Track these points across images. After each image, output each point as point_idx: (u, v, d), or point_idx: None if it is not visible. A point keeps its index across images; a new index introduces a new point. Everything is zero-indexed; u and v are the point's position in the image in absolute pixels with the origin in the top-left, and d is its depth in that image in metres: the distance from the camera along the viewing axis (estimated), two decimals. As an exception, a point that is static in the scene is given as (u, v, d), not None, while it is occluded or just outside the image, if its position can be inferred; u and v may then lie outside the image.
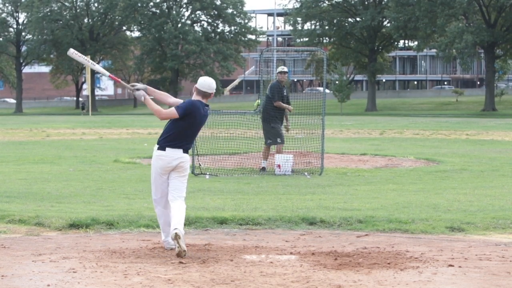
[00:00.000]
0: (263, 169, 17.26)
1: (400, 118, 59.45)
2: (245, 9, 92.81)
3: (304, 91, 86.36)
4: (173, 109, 8.35)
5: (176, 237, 8.00)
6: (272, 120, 17.11)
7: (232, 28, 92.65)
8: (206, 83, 8.49)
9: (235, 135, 21.40)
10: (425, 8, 72.77)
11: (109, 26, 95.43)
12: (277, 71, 17.43)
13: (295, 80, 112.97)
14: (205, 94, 8.48)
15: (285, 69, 17.51)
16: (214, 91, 8.55)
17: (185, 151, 8.46)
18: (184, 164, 8.45)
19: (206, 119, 8.61)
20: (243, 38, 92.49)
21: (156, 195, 8.56)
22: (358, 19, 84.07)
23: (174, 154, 8.38)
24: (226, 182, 15.26)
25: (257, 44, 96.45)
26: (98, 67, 9.07)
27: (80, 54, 8.90)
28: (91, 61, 9.14)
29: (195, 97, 8.50)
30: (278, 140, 17.11)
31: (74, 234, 9.62)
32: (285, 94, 17.30)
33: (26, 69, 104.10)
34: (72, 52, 8.84)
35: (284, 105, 17.20)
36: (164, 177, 8.45)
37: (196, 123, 8.43)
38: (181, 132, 8.40)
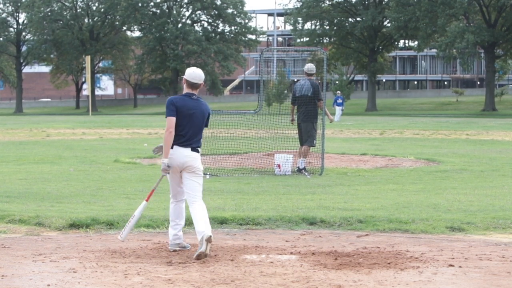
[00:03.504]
0: (304, 169, 16.97)
1: (400, 118, 59.42)
2: (245, 9, 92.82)
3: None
4: (166, 121, 8.21)
5: (210, 239, 7.93)
6: (315, 121, 17.04)
7: (233, 28, 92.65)
8: (196, 74, 8.32)
9: (235, 135, 21.41)
10: (425, 8, 72.73)
11: (109, 26, 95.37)
12: (307, 72, 17.18)
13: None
14: (194, 85, 8.32)
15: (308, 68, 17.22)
16: (202, 81, 8.38)
17: (193, 150, 8.27)
18: (193, 162, 8.27)
19: (205, 108, 8.33)
20: (243, 38, 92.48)
21: (171, 192, 8.51)
22: (358, 19, 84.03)
23: (182, 152, 8.24)
24: (226, 182, 15.25)
25: (257, 44, 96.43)
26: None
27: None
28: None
29: (185, 89, 8.37)
30: (314, 142, 17.06)
31: (74, 234, 9.62)
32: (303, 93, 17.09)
33: (26, 69, 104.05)
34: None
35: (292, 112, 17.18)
36: (176, 175, 8.34)
37: (186, 114, 8.23)
38: (180, 129, 8.25)
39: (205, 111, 8.35)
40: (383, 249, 8.54)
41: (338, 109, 52.69)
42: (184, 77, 8.38)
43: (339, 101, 52.97)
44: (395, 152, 22.74)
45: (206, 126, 8.46)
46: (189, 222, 10.02)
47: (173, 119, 8.18)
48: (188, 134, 8.25)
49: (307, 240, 9.18)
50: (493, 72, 75.51)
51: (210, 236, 7.97)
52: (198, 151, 8.33)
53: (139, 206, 8.52)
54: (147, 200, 8.49)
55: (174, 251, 8.38)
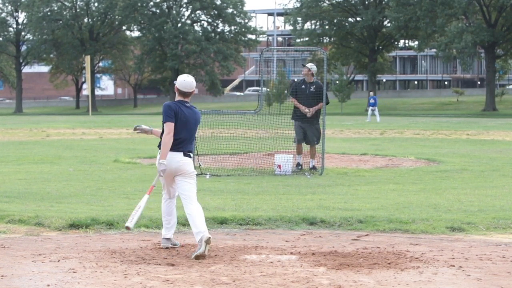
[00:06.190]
0: (298, 164, 17.32)
1: (400, 118, 59.39)
2: (245, 8, 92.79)
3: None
4: (165, 126, 8.35)
5: (209, 240, 8.03)
6: (294, 118, 17.39)
7: (232, 28, 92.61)
8: (187, 82, 8.48)
9: (235, 135, 21.40)
10: (425, 8, 72.71)
11: (109, 26, 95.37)
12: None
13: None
14: (185, 93, 8.50)
15: (308, 65, 17.38)
16: (194, 89, 8.55)
17: (186, 155, 8.42)
18: (185, 167, 8.40)
19: (198, 117, 8.56)
20: (243, 38, 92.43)
21: (164, 189, 8.68)
22: (358, 18, 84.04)
23: (175, 157, 8.38)
24: (226, 182, 15.24)
25: (257, 44, 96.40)
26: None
27: None
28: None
29: (176, 97, 8.57)
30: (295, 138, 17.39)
31: (74, 234, 9.61)
32: (311, 90, 17.20)
33: (26, 69, 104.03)
34: None
35: (298, 104, 17.22)
36: (169, 177, 8.48)
37: (182, 120, 8.40)
38: (175, 135, 8.41)
39: (198, 120, 8.58)
40: (383, 249, 8.53)
41: (370, 110, 52.27)
42: (176, 85, 8.55)
43: (372, 101, 52.52)
44: (395, 152, 22.73)
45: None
46: (186, 222, 10.02)
47: (172, 125, 8.35)
48: (181, 139, 8.42)
49: (307, 240, 9.17)
50: (493, 72, 75.50)
51: (210, 237, 8.07)
52: (190, 156, 8.50)
53: (142, 199, 8.56)
54: (148, 194, 8.55)
55: (167, 248, 8.52)
